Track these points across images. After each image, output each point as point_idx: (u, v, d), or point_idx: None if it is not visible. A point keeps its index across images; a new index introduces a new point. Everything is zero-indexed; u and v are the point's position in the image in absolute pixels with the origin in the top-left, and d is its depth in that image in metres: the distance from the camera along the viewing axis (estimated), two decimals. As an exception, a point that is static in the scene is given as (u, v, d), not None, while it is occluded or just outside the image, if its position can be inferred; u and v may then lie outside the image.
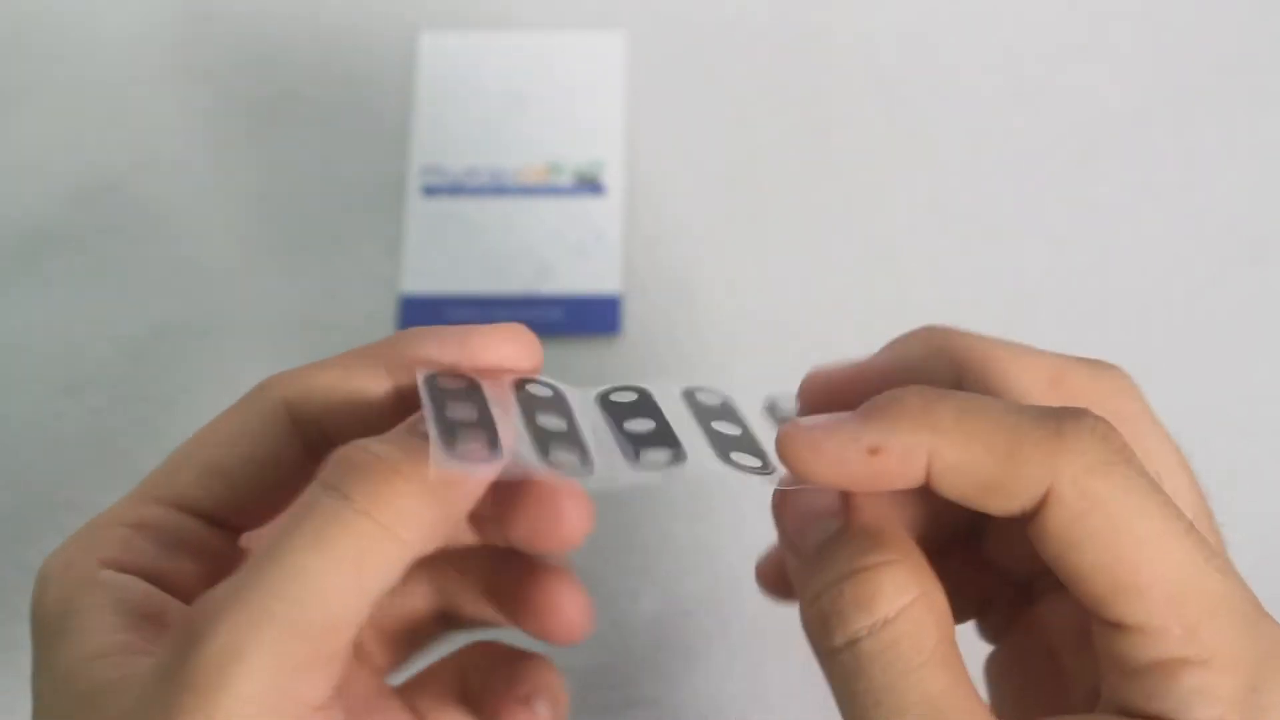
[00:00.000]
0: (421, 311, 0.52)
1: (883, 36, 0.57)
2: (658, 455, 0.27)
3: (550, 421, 0.27)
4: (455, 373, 0.28)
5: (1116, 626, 0.25)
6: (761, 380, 0.51)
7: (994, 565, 0.31)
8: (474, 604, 0.33)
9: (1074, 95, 0.56)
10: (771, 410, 0.28)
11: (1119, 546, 0.24)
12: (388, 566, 0.25)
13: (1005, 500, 0.25)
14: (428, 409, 0.26)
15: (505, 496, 0.29)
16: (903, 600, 0.25)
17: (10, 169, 0.56)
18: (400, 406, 0.28)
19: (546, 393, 0.28)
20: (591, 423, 0.28)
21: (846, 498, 0.27)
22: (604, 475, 0.27)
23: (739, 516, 0.48)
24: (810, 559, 0.27)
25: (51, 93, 0.57)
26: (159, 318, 0.53)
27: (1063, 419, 0.25)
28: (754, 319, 0.52)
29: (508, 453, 0.26)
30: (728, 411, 0.28)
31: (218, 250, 0.54)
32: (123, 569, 0.27)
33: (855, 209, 0.54)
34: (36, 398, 0.51)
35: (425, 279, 0.53)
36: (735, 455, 0.28)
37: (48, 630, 0.27)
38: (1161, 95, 0.56)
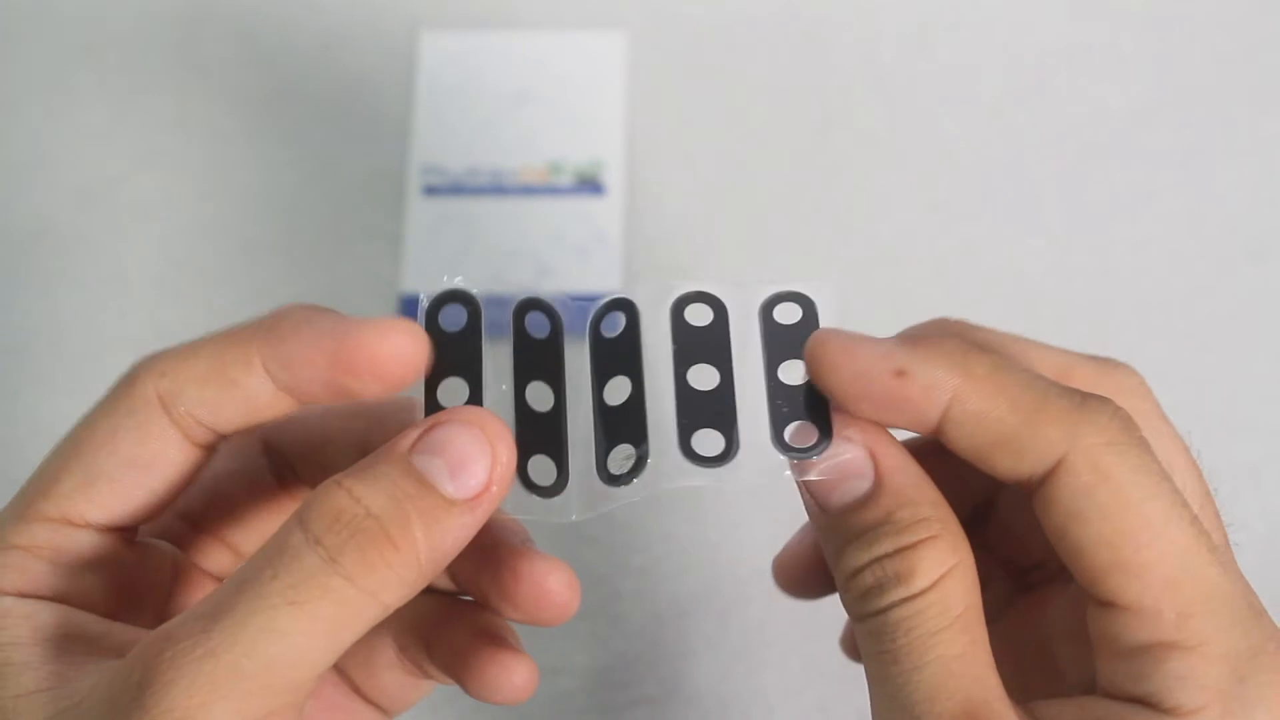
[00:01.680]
0: (422, 311, 0.52)
1: (883, 36, 0.57)
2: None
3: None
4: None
5: (1110, 606, 0.25)
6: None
7: (995, 552, 0.31)
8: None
9: (1074, 95, 0.56)
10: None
11: (1123, 523, 0.25)
12: (365, 626, 0.25)
13: (1015, 460, 0.25)
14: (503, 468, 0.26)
15: (483, 568, 0.29)
16: (940, 571, 0.25)
17: (10, 169, 0.56)
18: (281, 398, 0.27)
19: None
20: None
21: (875, 459, 0.26)
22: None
23: (739, 516, 0.48)
24: (843, 524, 0.26)
25: (52, 93, 0.57)
26: (159, 317, 0.53)
27: (1087, 397, 0.25)
28: (754, 318, 0.52)
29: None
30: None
31: (218, 250, 0.54)
32: (25, 595, 0.26)
33: (855, 209, 0.54)
34: (37, 398, 0.51)
35: (425, 279, 0.53)
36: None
37: None
38: (1161, 95, 0.56)
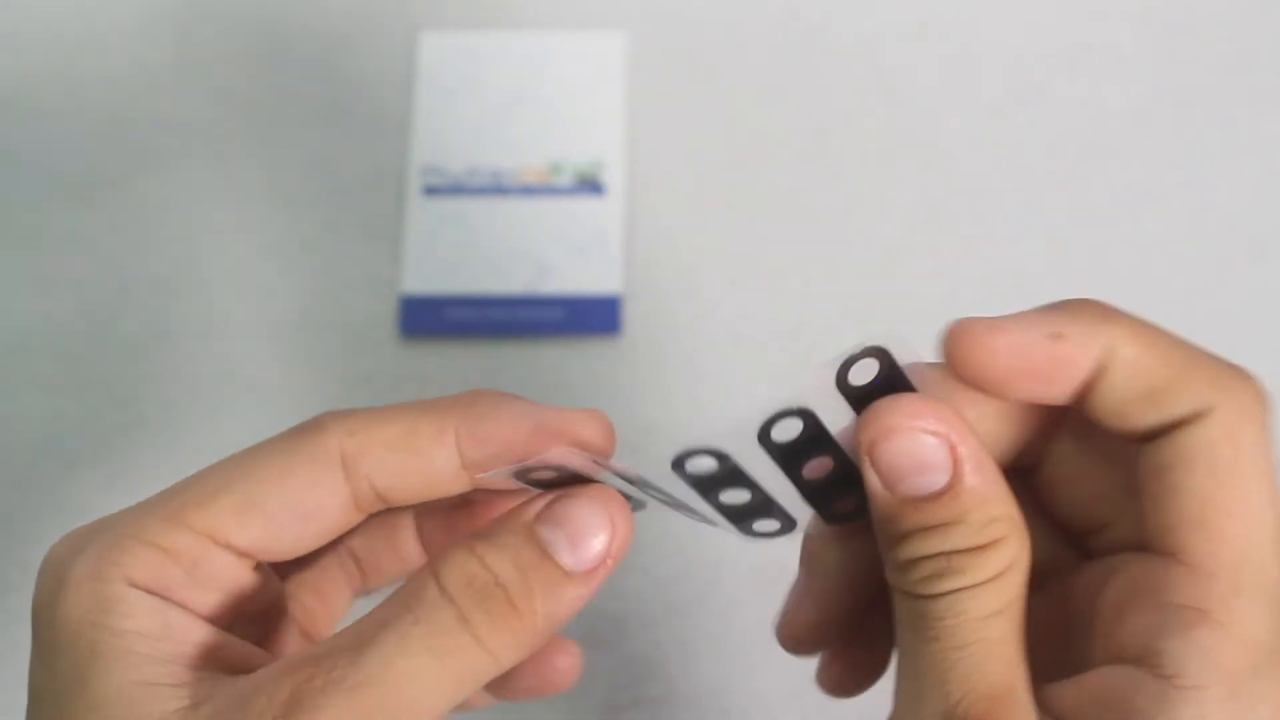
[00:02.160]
0: (422, 311, 0.52)
1: (883, 36, 0.57)
2: (767, 525, 0.28)
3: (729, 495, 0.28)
4: (543, 465, 0.27)
5: (1167, 558, 0.26)
6: (761, 380, 0.51)
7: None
8: None
9: (1074, 95, 0.56)
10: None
11: (1228, 487, 0.25)
12: (483, 682, 0.26)
13: (1161, 410, 0.26)
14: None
15: None
16: (1001, 568, 0.26)
17: (10, 169, 0.56)
18: (462, 478, 0.28)
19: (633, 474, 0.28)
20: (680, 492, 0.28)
21: (956, 457, 0.26)
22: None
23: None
24: (914, 512, 0.26)
25: (52, 93, 0.57)
26: (159, 317, 0.53)
27: (1234, 365, 0.27)
28: (754, 319, 0.52)
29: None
30: (729, 475, 0.27)
31: (218, 250, 0.54)
32: (151, 593, 0.27)
33: (855, 209, 0.54)
34: (36, 398, 0.51)
35: (425, 279, 0.53)
36: (756, 524, 0.28)
37: (81, 639, 0.26)
38: (1161, 95, 0.56)
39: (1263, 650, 0.25)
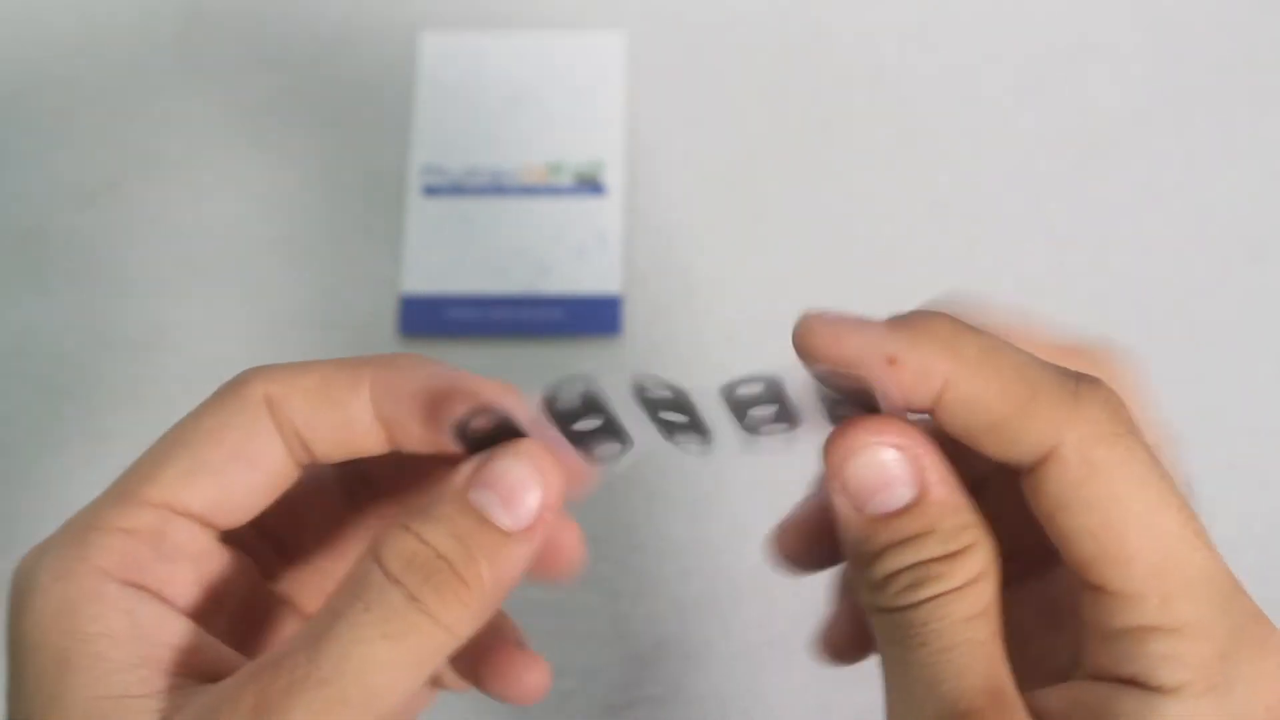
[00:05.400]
0: (422, 311, 0.52)
1: (883, 36, 0.57)
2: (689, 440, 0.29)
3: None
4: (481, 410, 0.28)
5: (1098, 590, 0.26)
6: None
7: None
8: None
9: (1074, 95, 0.56)
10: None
11: (1110, 516, 0.25)
12: (443, 657, 0.26)
13: (1006, 446, 0.26)
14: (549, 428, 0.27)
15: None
16: (975, 573, 0.26)
17: (10, 168, 0.56)
18: (378, 432, 0.28)
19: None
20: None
21: (920, 470, 0.27)
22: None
23: (739, 517, 0.48)
24: (882, 529, 0.26)
25: (52, 93, 0.57)
26: (159, 318, 0.53)
27: (1080, 382, 0.26)
28: (754, 319, 0.52)
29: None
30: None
31: (218, 250, 0.54)
32: (123, 581, 0.27)
33: (855, 209, 0.54)
34: (37, 398, 0.51)
35: (425, 279, 0.53)
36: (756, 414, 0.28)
37: (49, 650, 0.25)
38: (1161, 95, 0.56)
39: (1222, 635, 0.25)
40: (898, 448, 0.26)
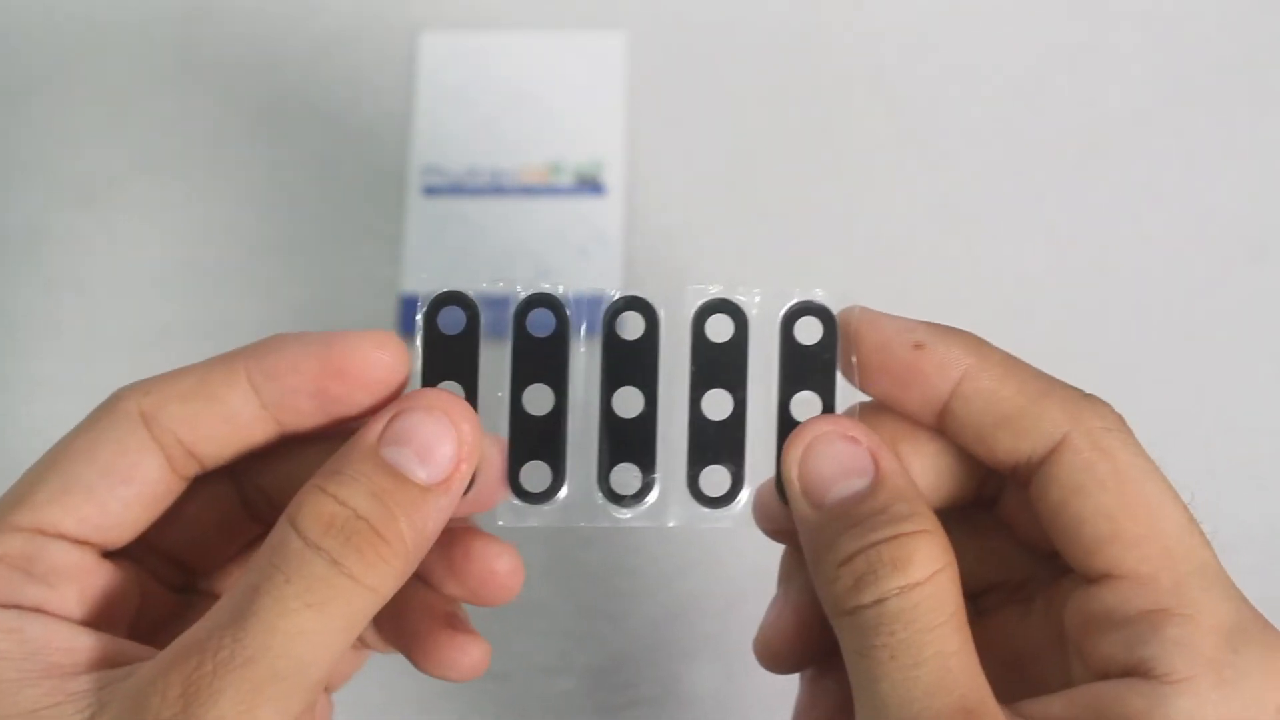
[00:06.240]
0: (421, 311, 0.52)
1: (883, 36, 0.57)
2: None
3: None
4: None
5: (1105, 579, 0.26)
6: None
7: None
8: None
9: (1074, 95, 0.56)
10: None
11: (1123, 496, 0.26)
12: (369, 618, 0.26)
13: (1017, 438, 0.27)
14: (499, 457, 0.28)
15: (439, 556, 0.30)
16: (934, 567, 0.26)
17: (10, 169, 0.56)
18: (265, 420, 0.28)
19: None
20: None
21: (875, 459, 0.27)
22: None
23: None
24: (838, 518, 0.27)
25: (51, 93, 0.57)
26: (160, 318, 0.53)
27: (1088, 394, 0.28)
28: (754, 319, 0.52)
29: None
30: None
31: (218, 250, 0.54)
32: (3, 606, 0.26)
33: (855, 209, 0.54)
34: (37, 398, 0.51)
35: (425, 279, 0.53)
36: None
37: None
38: (1161, 95, 0.56)
39: (1232, 627, 0.25)
40: (854, 439, 0.27)
